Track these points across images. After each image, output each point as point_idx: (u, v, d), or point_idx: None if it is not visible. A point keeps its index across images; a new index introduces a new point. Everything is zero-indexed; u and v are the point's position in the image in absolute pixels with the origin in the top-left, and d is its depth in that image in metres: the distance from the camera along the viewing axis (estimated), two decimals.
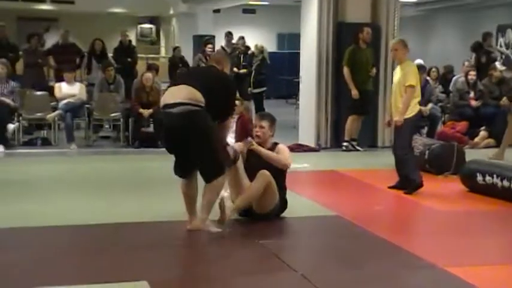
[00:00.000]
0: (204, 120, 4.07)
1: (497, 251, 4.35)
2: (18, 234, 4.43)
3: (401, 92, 5.67)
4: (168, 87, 4.34)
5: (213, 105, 4.12)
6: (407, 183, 5.78)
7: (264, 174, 4.50)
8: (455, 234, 4.72)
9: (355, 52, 8.04)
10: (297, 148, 8.34)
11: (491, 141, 8.70)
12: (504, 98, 9.26)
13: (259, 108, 10.37)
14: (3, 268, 3.70)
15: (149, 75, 8.74)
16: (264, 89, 10.74)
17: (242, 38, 11.32)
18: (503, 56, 10.49)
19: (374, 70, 8.25)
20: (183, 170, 4.31)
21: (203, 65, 10.84)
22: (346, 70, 8.05)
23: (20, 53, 10.18)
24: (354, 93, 8.01)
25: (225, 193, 4.67)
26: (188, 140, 4.06)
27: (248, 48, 11.42)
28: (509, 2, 12.81)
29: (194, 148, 4.09)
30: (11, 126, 8.30)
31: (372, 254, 4.15)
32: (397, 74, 5.81)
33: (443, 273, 3.69)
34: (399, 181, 5.90)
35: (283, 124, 10.92)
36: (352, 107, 8.17)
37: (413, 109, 5.71)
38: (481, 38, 10.72)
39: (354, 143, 8.29)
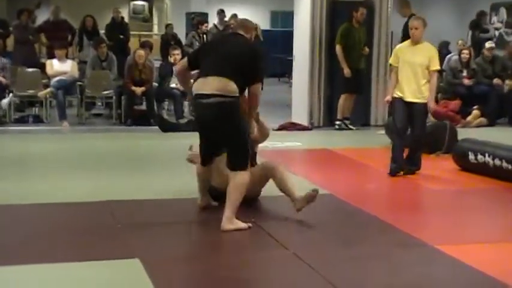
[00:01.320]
0: (235, 112, 4.09)
1: (489, 229, 4.37)
2: (10, 211, 4.42)
3: (423, 74, 5.49)
4: (201, 71, 4.18)
5: (244, 77, 4.11)
6: (410, 164, 5.67)
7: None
8: (447, 212, 4.75)
9: (348, 30, 8.02)
10: (289, 127, 8.34)
11: (483, 120, 8.75)
12: (496, 79, 9.32)
13: None
14: None
15: (141, 52, 8.68)
16: None
17: (235, 15, 11.20)
18: (496, 34, 10.49)
19: (366, 49, 8.22)
20: (205, 157, 4.34)
21: (197, 43, 10.75)
22: (338, 48, 8.04)
23: (11, 29, 10.06)
24: (346, 71, 8.00)
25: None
26: (218, 128, 4.11)
27: None
28: None
29: (224, 136, 4.14)
30: (4, 101, 8.24)
31: (365, 233, 4.17)
32: (414, 54, 5.55)
33: (436, 252, 3.71)
34: (397, 164, 5.62)
35: (276, 102, 10.94)
36: (345, 86, 8.16)
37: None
38: (475, 17, 10.71)
39: (347, 122, 8.30)
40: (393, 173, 5.62)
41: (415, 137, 5.65)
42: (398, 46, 5.85)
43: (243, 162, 4.10)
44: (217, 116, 4.04)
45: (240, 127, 4.11)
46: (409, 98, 5.54)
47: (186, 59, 4.51)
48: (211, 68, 4.10)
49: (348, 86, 8.12)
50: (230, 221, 4.06)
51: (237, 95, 4.05)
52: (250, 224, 4.10)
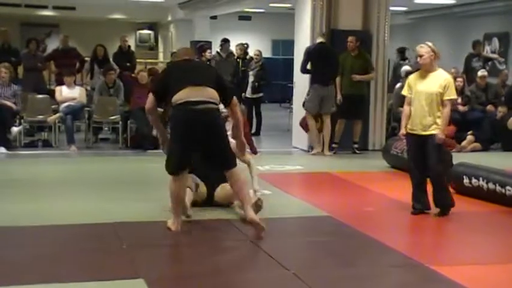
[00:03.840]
0: (220, 118, 4.59)
1: (483, 251, 4.46)
2: (19, 232, 4.51)
3: (438, 104, 5.08)
4: (180, 84, 4.42)
5: (223, 94, 4.56)
6: (438, 203, 5.24)
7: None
8: (443, 234, 4.88)
9: (343, 58, 8.30)
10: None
11: (477, 145, 8.88)
12: (489, 106, 9.53)
13: (258, 112, 10.58)
14: (2, 265, 3.78)
15: (144, 74, 9.07)
16: (262, 94, 10.89)
17: (227, 40, 11.22)
18: (489, 63, 10.75)
19: (356, 76, 8.26)
20: (183, 162, 4.50)
21: None
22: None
23: None
24: (338, 98, 8.26)
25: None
26: (211, 132, 4.42)
27: (246, 53, 11.53)
28: (495, 11, 13.09)
29: (214, 140, 4.45)
30: (14, 129, 8.45)
31: (363, 254, 4.26)
32: (428, 83, 5.13)
33: (432, 272, 3.78)
34: (420, 204, 5.28)
35: (278, 127, 11.13)
36: (337, 111, 8.36)
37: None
38: (471, 46, 11.00)
39: (334, 146, 8.46)
40: (416, 212, 5.27)
41: (432, 172, 5.17)
42: (410, 76, 5.46)
43: (234, 158, 4.58)
44: (211, 121, 4.40)
45: (224, 130, 4.58)
46: (422, 131, 5.14)
47: (151, 94, 4.64)
48: (193, 79, 4.43)
49: (338, 111, 8.33)
50: (254, 213, 4.47)
51: (218, 103, 4.49)
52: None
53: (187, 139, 4.40)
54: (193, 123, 4.35)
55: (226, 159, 4.51)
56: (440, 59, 5.26)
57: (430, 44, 5.23)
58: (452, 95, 5.15)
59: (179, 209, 4.57)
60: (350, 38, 8.30)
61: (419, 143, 5.18)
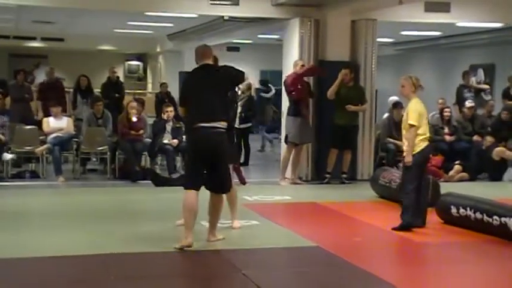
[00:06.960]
0: (225, 140, 5.08)
1: (471, 281, 4.49)
2: (4, 265, 4.48)
3: (406, 129, 5.71)
4: (195, 115, 5.02)
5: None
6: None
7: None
8: (431, 265, 4.89)
9: (340, 88, 8.35)
10: None
11: (465, 174, 8.96)
12: (476, 136, 9.65)
13: (246, 143, 10.59)
14: None
15: (135, 104, 9.11)
16: (250, 124, 10.93)
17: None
18: (473, 93, 10.92)
19: (351, 107, 8.31)
20: (199, 180, 4.99)
21: None
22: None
23: None
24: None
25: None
26: (216, 152, 4.97)
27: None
28: (480, 43, 13.38)
29: (217, 160, 5.00)
30: (7, 156, 8.40)
31: (351, 284, 4.27)
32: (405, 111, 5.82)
33: None
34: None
35: (266, 157, 11.18)
36: (330, 141, 8.44)
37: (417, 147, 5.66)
38: (461, 77, 11.20)
39: (327, 176, 8.49)
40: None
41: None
42: None
43: (228, 186, 5.20)
44: (219, 140, 4.97)
45: (226, 153, 5.08)
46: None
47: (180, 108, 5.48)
48: (205, 115, 4.98)
49: (330, 141, 8.41)
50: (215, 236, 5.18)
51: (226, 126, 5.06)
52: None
53: (199, 156, 4.97)
54: (204, 140, 4.95)
55: (221, 183, 5.08)
56: (421, 90, 5.83)
57: (410, 75, 5.99)
58: (409, 119, 5.65)
59: (191, 224, 4.87)
60: (344, 71, 8.34)
61: None
